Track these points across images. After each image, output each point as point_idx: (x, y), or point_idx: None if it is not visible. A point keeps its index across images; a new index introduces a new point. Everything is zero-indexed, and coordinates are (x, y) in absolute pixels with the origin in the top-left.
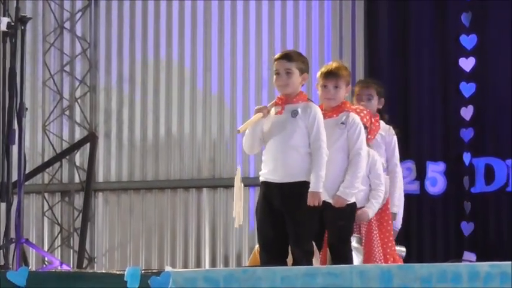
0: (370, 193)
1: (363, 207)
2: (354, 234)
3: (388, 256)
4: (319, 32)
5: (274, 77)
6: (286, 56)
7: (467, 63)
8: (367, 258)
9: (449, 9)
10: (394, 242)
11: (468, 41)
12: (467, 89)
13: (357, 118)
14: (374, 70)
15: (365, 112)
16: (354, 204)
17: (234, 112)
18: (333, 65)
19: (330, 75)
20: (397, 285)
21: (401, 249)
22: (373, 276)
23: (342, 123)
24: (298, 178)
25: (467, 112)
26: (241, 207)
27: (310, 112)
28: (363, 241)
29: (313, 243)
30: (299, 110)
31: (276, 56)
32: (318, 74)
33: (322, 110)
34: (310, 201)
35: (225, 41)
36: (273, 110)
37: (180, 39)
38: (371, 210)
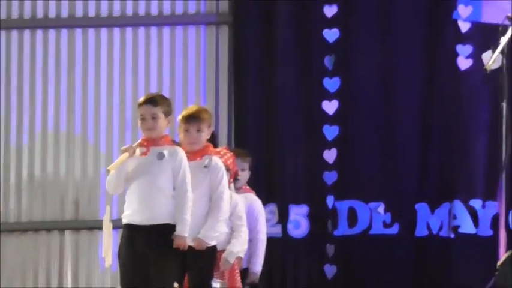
0: (231, 234)
1: (225, 250)
2: (218, 280)
3: None
4: (183, 76)
5: (140, 121)
6: (151, 101)
7: (330, 106)
8: None
9: (313, 53)
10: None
11: (331, 83)
12: (331, 131)
13: (219, 161)
14: (239, 113)
15: (228, 155)
16: (215, 247)
17: (98, 154)
18: (193, 108)
19: (191, 119)
20: None
21: None
22: None
23: (205, 166)
24: (162, 221)
25: (330, 155)
26: (110, 246)
27: (176, 156)
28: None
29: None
30: (165, 153)
31: (140, 100)
32: (179, 117)
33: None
34: (176, 244)
35: (88, 83)
36: (137, 151)
37: (44, 81)
38: (232, 253)
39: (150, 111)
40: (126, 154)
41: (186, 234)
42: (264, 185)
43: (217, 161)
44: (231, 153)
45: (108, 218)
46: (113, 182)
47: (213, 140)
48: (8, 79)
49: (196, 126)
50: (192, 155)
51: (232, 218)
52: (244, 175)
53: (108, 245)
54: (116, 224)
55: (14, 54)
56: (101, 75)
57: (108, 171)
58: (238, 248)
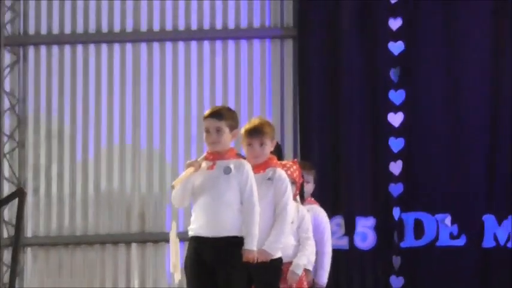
0: (298, 247)
1: (291, 262)
2: None
3: None
4: (248, 89)
5: (205, 134)
6: (216, 114)
7: (395, 118)
8: None
9: (378, 65)
10: None
11: (396, 96)
12: (396, 144)
13: (283, 173)
14: (304, 125)
15: (294, 168)
16: (280, 259)
17: (163, 167)
18: (256, 122)
19: (254, 133)
20: None
21: None
22: None
23: (269, 178)
24: (229, 233)
25: (396, 167)
26: (178, 262)
27: (243, 170)
28: None
29: None
30: (232, 167)
31: (205, 114)
32: (242, 131)
33: None
34: (246, 258)
35: (154, 96)
36: (203, 165)
37: (109, 95)
38: (299, 265)
39: (215, 125)
40: (191, 168)
41: (255, 248)
42: (331, 198)
43: (280, 173)
44: (297, 166)
45: (174, 233)
46: (178, 197)
47: (278, 152)
48: (74, 93)
49: (259, 140)
50: (255, 168)
51: (299, 231)
52: (309, 187)
53: (176, 261)
54: (182, 237)
55: (79, 67)
56: (166, 88)
57: (173, 186)
58: (305, 260)
